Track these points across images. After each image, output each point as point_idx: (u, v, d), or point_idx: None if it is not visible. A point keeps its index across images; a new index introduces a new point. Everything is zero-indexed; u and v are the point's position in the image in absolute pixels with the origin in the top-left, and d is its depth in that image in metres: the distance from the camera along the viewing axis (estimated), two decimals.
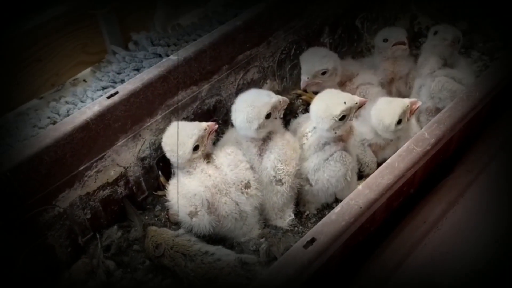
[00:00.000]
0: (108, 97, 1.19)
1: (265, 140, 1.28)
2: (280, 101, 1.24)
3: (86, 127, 1.16)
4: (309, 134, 1.31)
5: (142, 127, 1.28)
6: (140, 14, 1.97)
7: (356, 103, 1.22)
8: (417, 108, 1.29)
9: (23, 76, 1.76)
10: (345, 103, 1.21)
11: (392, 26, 1.62)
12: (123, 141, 1.25)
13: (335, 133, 1.23)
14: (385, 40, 1.48)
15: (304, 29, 1.54)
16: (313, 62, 1.41)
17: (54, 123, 1.75)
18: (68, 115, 1.73)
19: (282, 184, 1.28)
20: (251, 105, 1.22)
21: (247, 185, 1.24)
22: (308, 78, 1.41)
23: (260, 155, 1.28)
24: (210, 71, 1.35)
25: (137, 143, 1.28)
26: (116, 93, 1.20)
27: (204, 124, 1.22)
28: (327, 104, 1.22)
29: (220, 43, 1.33)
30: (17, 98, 1.79)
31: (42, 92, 1.85)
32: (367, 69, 1.50)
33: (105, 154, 1.23)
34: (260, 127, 1.22)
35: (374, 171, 1.08)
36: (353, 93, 1.40)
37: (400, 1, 1.84)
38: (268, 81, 1.52)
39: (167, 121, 1.32)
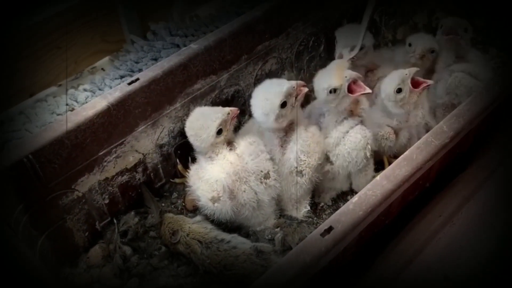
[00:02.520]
0: (129, 83, 1.20)
1: (287, 131, 1.27)
2: (293, 87, 1.22)
3: (107, 113, 1.17)
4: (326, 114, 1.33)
5: (162, 115, 1.29)
6: (159, 4, 1.98)
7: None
8: (426, 86, 1.29)
9: (42, 63, 1.78)
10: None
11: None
12: (143, 127, 1.26)
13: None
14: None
15: (323, 21, 1.54)
16: (352, 36, 1.42)
17: (72, 110, 1.77)
18: (86, 102, 1.76)
19: (303, 175, 1.28)
20: (264, 98, 1.22)
21: (267, 176, 1.24)
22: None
23: (282, 145, 1.28)
24: (229, 61, 1.36)
25: (156, 130, 1.30)
26: (137, 79, 1.21)
27: (227, 109, 1.22)
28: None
29: (240, 33, 1.33)
30: (36, 84, 1.81)
31: (61, 80, 1.87)
32: (389, 63, 1.49)
33: (124, 140, 1.24)
34: (278, 117, 1.22)
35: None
36: (373, 84, 1.42)
37: None
38: (286, 72, 1.53)
39: (186, 109, 1.33)
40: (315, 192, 1.38)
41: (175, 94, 1.29)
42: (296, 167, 1.26)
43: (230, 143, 1.25)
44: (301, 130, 1.27)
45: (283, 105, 1.21)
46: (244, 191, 1.22)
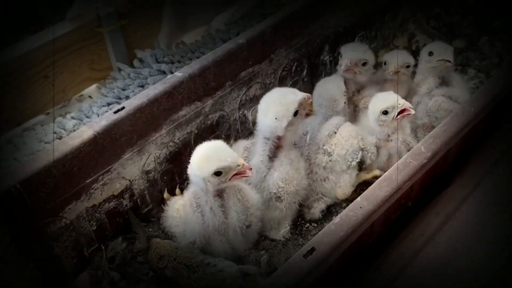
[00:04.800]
0: (115, 112, 1.23)
1: (277, 149, 1.30)
2: (305, 98, 1.25)
3: (94, 141, 1.19)
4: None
5: (147, 141, 1.31)
6: (145, 32, 2.02)
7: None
8: (407, 115, 1.33)
9: (30, 92, 1.80)
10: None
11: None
12: (129, 154, 1.29)
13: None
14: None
15: (305, 47, 1.59)
16: (357, 51, 1.48)
17: (60, 138, 1.79)
18: (74, 130, 1.78)
19: (281, 201, 1.31)
20: (279, 103, 1.24)
21: (248, 226, 1.26)
22: (350, 63, 1.47)
23: (271, 157, 1.30)
24: (214, 87, 1.39)
25: (142, 157, 1.32)
26: (123, 108, 1.24)
27: (241, 160, 1.19)
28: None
29: (223, 60, 1.37)
30: (24, 113, 1.83)
31: (49, 108, 1.89)
32: (373, 84, 1.54)
33: (111, 168, 1.26)
34: (289, 124, 1.24)
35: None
36: (359, 102, 1.50)
37: (398, 20, 1.90)
38: None
39: (172, 135, 1.35)
40: (304, 210, 1.41)
41: (161, 121, 1.32)
42: (275, 193, 1.29)
43: (221, 192, 1.24)
44: (282, 157, 1.30)
45: (295, 113, 1.24)
46: (221, 241, 1.24)
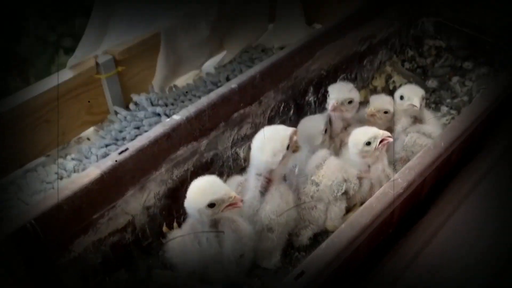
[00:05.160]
0: (120, 153, 1.34)
1: (269, 182, 1.40)
2: (294, 131, 1.37)
3: (101, 180, 1.30)
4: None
5: (148, 179, 1.42)
6: (140, 77, 2.14)
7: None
8: (387, 143, 1.46)
9: (33, 135, 1.90)
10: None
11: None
12: (132, 191, 1.40)
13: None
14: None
15: (292, 89, 1.73)
16: (344, 91, 1.62)
17: (62, 178, 1.89)
18: (74, 170, 1.89)
19: (273, 232, 1.41)
20: (273, 139, 1.35)
21: (242, 256, 1.36)
22: (337, 102, 1.60)
23: (264, 190, 1.41)
24: (209, 128, 1.51)
25: (143, 193, 1.43)
26: (127, 149, 1.35)
27: (233, 194, 1.29)
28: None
29: (217, 103, 1.50)
30: (26, 156, 1.93)
31: (49, 150, 1.99)
32: (359, 122, 1.67)
33: (116, 204, 1.37)
34: (284, 157, 1.35)
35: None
36: (345, 138, 1.61)
37: (376, 63, 2.06)
38: None
39: (170, 173, 1.47)
40: (293, 238, 1.51)
41: (160, 160, 1.43)
42: (267, 225, 1.40)
43: (215, 223, 1.33)
44: (273, 190, 1.40)
45: (288, 147, 1.36)
46: (217, 269, 1.34)
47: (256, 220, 1.41)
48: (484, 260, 1.34)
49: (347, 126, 1.68)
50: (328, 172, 1.47)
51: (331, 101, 1.61)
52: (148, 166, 1.41)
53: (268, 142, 1.36)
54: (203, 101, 1.48)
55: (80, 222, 1.30)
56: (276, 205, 1.40)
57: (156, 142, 1.39)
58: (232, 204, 1.28)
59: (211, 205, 1.27)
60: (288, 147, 1.36)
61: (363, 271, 1.32)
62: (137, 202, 1.42)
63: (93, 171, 1.30)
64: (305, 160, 1.53)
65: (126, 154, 1.35)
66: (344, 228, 1.15)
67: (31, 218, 1.20)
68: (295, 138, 1.38)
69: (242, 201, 1.29)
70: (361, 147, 1.47)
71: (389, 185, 1.23)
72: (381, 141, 1.47)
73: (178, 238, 1.37)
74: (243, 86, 1.55)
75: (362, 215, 1.17)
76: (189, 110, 1.46)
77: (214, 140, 1.55)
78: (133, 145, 1.36)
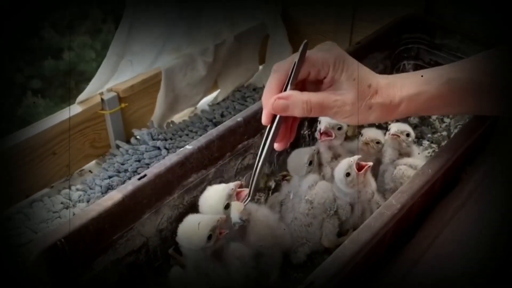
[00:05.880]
0: (139, 179, 1.47)
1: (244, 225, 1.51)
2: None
3: (122, 203, 1.42)
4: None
5: (163, 204, 1.55)
6: (141, 113, 2.28)
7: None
8: (367, 167, 1.61)
9: (40, 167, 2.01)
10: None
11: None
12: (148, 215, 1.51)
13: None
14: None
15: None
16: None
17: (67, 208, 2.00)
18: (79, 200, 2.00)
19: (263, 256, 1.54)
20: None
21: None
22: (329, 125, 1.74)
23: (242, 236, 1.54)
24: (217, 158, 1.65)
25: (157, 217, 1.55)
26: (145, 175, 1.48)
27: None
28: None
29: (225, 135, 1.64)
30: (31, 187, 2.03)
31: (53, 182, 2.10)
32: (349, 153, 1.82)
33: (133, 226, 1.48)
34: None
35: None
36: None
37: None
38: None
39: (181, 198, 1.59)
40: (291, 255, 1.65)
41: (174, 186, 1.56)
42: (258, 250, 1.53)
43: (217, 254, 1.43)
44: (252, 223, 1.53)
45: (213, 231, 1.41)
46: None
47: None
48: (468, 276, 1.48)
49: (338, 156, 1.81)
50: (320, 191, 1.61)
51: (322, 126, 1.75)
52: (163, 192, 1.53)
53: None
54: (213, 132, 1.62)
55: (102, 242, 1.41)
56: (257, 233, 1.53)
57: (171, 169, 1.52)
58: (221, 232, 1.41)
59: (209, 237, 1.38)
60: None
61: (363, 282, 1.46)
62: (152, 225, 1.54)
63: (115, 195, 1.42)
64: (299, 183, 1.69)
65: (144, 180, 1.47)
66: (347, 244, 1.29)
67: (61, 237, 1.30)
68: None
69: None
70: (344, 179, 1.61)
71: (385, 207, 1.38)
72: (360, 168, 1.61)
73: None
74: (248, 119, 1.69)
75: (363, 232, 1.31)
76: (200, 141, 1.60)
77: (221, 169, 1.69)
78: (151, 172, 1.49)
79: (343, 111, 1.13)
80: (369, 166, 1.61)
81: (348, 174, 1.60)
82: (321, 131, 1.75)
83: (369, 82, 1.15)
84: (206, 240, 1.39)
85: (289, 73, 1.13)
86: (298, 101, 1.11)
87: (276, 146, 1.25)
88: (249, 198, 1.39)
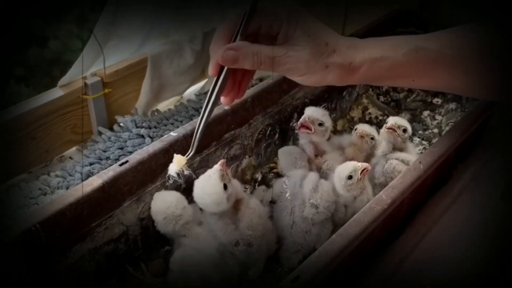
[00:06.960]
0: (120, 165, 1.41)
1: (234, 211, 1.47)
2: (220, 167, 1.42)
3: (102, 189, 1.36)
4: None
5: (144, 191, 1.49)
6: (125, 100, 2.21)
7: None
8: (366, 171, 1.55)
9: (17, 152, 1.93)
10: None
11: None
12: (129, 203, 1.45)
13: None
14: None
15: (278, 114, 1.83)
16: (317, 113, 1.70)
17: (45, 194, 1.93)
18: (58, 187, 1.92)
19: (251, 246, 1.47)
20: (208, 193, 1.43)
21: (237, 243, 1.44)
22: (308, 119, 1.68)
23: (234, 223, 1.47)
24: (202, 146, 1.59)
25: (139, 205, 1.49)
26: (127, 161, 1.42)
27: None
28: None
29: (211, 123, 1.58)
30: (9, 172, 1.95)
31: (31, 167, 2.02)
32: (335, 149, 1.78)
33: (113, 214, 1.42)
34: (229, 200, 1.42)
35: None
36: (322, 165, 1.69)
37: (353, 95, 2.20)
38: (246, 156, 1.77)
39: (164, 187, 1.53)
40: (282, 261, 1.58)
41: (157, 174, 1.50)
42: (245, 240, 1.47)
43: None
44: (243, 208, 1.48)
45: (225, 187, 1.42)
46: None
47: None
48: (457, 272, 1.45)
49: (323, 154, 1.76)
50: (325, 194, 1.53)
51: (302, 117, 1.69)
52: (145, 179, 1.47)
53: (206, 196, 1.43)
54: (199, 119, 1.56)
55: (79, 229, 1.35)
56: (249, 221, 1.47)
57: (154, 156, 1.47)
58: None
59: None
60: (225, 187, 1.40)
61: (350, 277, 1.42)
62: (133, 213, 1.48)
63: (95, 180, 1.36)
64: (294, 184, 1.60)
65: (126, 166, 1.41)
66: (335, 238, 1.24)
67: (36, 222, 1.24)
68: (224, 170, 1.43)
69: None
70: (344, 182, 1.55)
71: (375, 201, 1.33)
72: (361, 172, 1.56)
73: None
74: (236, 108, 1.64)
75: (352, 227, 1.27)
76: (186, 128, 1.54)
77: (206, 158, 1.63)
78: (133, 158, 1.43)
79: (297, 68, 1.05)
80: (368, 170, 1.56)
81: (350, 177, 1.56)
82: (300, 123, 1.70)
83: (326, 40, 1.07)
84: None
85: (239, 24, 1.06)
86: (248, 53, 1.04)
87: (223, 100, 1.18)
88: (192, 152, 1.32)
